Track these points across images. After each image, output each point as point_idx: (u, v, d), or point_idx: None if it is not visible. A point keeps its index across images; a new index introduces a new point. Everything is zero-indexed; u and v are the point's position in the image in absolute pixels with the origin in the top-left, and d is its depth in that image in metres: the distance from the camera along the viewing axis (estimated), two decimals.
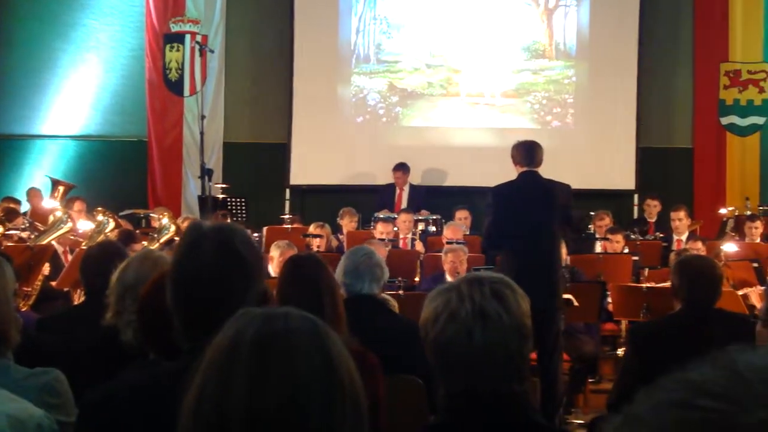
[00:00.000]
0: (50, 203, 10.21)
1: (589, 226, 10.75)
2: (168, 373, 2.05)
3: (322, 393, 1.35)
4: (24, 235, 8.30)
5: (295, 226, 10.48)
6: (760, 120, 12.74)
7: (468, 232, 10.04)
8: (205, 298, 2.06)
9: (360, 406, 1.40)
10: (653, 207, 11.55)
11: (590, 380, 8.05)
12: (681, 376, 0.67)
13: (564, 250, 8.55)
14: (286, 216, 11.26)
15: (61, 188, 10.45)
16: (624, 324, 8.25)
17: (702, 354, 0.70)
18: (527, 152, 6.87)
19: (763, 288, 6.49)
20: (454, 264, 8.07)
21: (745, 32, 12.74)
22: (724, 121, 12.82)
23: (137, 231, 9.17)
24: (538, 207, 6.69)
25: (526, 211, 6.66)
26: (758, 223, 10.03)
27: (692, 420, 0.62)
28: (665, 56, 12.93)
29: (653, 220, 11.46)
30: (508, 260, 6.63)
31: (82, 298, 5.38)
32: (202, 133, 8.94)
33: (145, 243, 7.62)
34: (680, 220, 10.52)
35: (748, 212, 10.97)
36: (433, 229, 10.90)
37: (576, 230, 7.43)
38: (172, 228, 8.37)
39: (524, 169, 6.84)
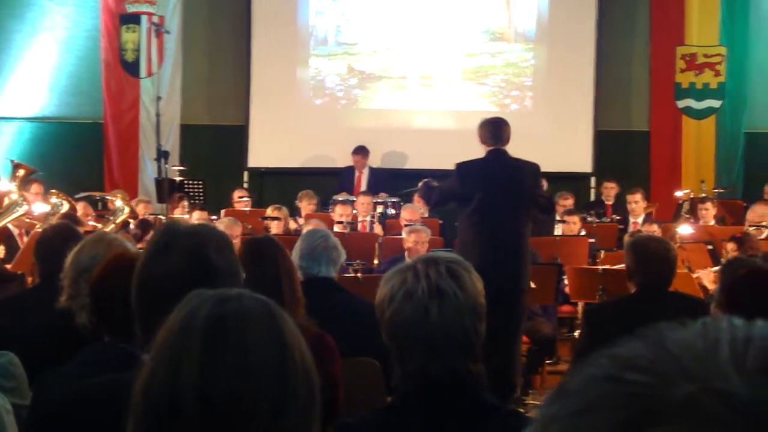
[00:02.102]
0: (6, 186, 10.07)
1: None
2: (129, 380, 2.01)
3: (274, 375, 1.34)
4: None
5: (250, 209, 10.46)
6: (715, 103, 12.83)
7: (426, 215, 10.03)
8: (167, 306, 1.90)
9: (313, 389, 1.39)
10: (611, 189, 11.65)
11: (548, 362, 8.11)
12: (610, 351, 0.68)
13: None
14: (243, 198, 11.15)
15: (21, 171, 10.31)
16: (581, 306, 8.31)
17: None
18: (494, 130, 6.70)
19: (715, 270, 6.56)
20: (416, 244, 8.05)
21: (701, 15, 12.81)
22: (681, 104, 12.91)
23: (93, 213, 9.10)
24: (506, 187, 6.49)
25: (493, 190, 6.45)
26: (708, 205, 10.11)
27: (619, 393, 0.63)
28: (622, 40, 13.00)
29: (611, 203, 11.55)
30: (471, 240, 6.42)
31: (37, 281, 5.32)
32: (158, 115, 8.84)
33: (99, 225, 7.57)
34: (636, 202, 10.62)
35: (703, 195, 11.08)
36: (392, 211, 10.89)
37: (546, 211, 7.29)
38: (126, 210, 8.32)
39: (491, 147, 6.67)
